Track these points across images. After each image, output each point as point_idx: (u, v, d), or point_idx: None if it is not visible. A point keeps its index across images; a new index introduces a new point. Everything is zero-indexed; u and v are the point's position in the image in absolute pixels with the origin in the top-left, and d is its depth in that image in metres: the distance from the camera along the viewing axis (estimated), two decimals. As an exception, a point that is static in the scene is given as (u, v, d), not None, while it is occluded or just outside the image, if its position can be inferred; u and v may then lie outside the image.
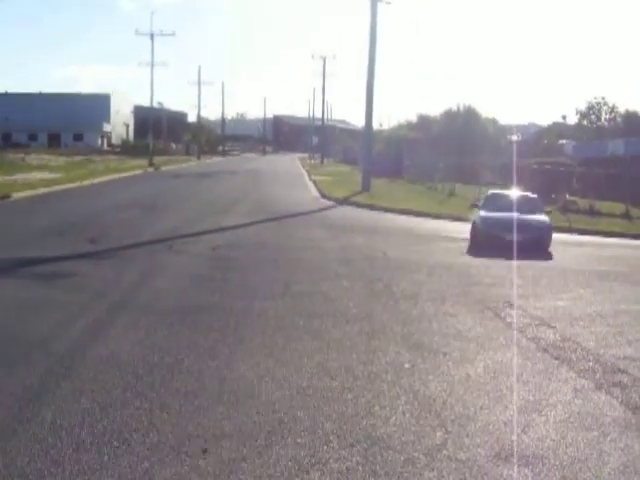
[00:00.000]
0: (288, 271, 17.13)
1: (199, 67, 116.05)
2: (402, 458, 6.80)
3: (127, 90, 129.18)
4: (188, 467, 6.42)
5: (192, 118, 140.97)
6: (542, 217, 24.90)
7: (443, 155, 60.36)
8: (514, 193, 28.20)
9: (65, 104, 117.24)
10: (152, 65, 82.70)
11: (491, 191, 29.85)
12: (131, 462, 6.44)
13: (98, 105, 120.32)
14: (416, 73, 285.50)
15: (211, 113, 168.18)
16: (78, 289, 14.10)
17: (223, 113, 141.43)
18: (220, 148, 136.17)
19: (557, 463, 6.89)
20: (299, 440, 7.12)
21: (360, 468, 6.55)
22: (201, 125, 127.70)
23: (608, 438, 7.62)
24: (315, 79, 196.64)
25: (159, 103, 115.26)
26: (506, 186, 35.38)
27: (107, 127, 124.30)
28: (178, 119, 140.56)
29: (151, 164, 71.85)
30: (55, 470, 6.25)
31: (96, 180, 47.91)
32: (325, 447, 6.98)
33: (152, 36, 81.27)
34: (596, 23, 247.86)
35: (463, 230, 26.32)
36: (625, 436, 7.69)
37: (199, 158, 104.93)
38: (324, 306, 13.50)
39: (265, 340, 10.87)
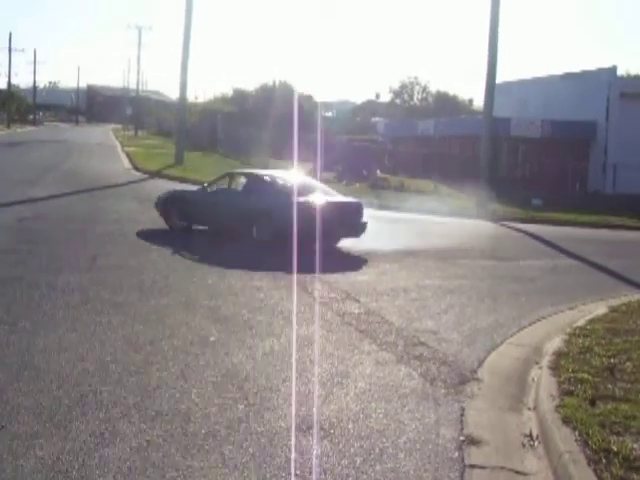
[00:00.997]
0: (96, 244, 16.80)
1: (10, 33, 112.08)
2: (203, 431, 6.79)
3: None
4: (-18, 444, 6.20)
5: (2, 85, 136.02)
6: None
7: (258, 130, 60.40)
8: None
9: None
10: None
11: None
12: None
13: None
14: (233, 47, 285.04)
15: (22, 81, 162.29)
16: None
17: (35, 81, 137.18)
18: (31, 117, 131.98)
19: (356, 434, 7.03)
20: (100, 415, 7.00)
21: (161, 441, 6.50)
22: (11, 93, 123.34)
23: (406, 408, 7.84)
24: (130, 49, 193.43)
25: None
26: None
27: None
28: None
29: (-46, 131, 68.94)
30: None
31: None
32: (126, 421, 6.90)
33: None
34: (413, 3, 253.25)
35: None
36: (422, 406, 7.94)
37: (9, 127, 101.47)
38: (131, 279, 13.31)
39: (69, 314, 10.62)
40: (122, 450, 6.29)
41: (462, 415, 7.80)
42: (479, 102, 79.25)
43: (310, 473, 6.14)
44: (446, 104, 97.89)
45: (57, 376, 8.02)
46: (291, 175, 21.59)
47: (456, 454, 6.77)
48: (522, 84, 56.83)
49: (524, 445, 7.20)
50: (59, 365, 8.38)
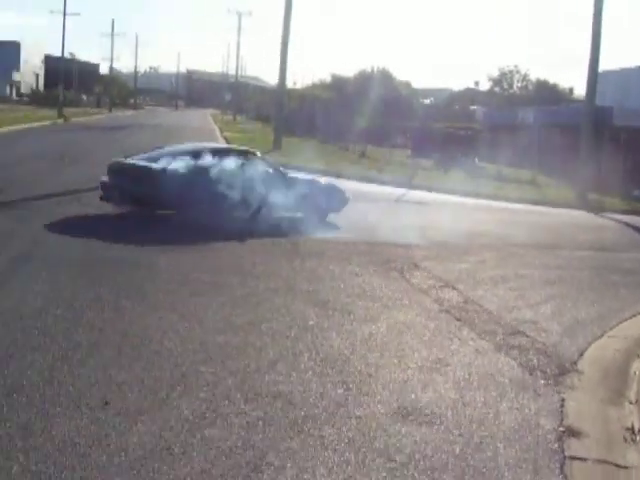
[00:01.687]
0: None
1: (112, 19, 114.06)
2: (302, 414, 6.83)
3: (38, 39, 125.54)
4: (88, 419, 6.34)
5: (104, 70, 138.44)
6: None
7: (356, 116, 60.38)
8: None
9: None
10: (64, 14, 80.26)
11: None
12: (31, 415, 6.34)
13: (7, 53, 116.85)
14: (331, 33, 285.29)
15: (124, 66, 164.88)
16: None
17: (136, 66, 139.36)
18: (132, 101, 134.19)
19: (455, 421, 7.01)
20: (201, 394, 7.10)
21: (260, 423, 6.56)
22: (113, 77, 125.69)
23: (505, 398, 7.78)
24: (230, 35, 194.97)
25: (70, 53, 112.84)
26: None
27: (16, 76, 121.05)
28: (90, 71, 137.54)
29: (60, 115, 70.23)
30: (-51, 422, 6.13)
31: (2, 129, 46.72)
32: (226, 401, 6.97)
33: (65, -18, 79.03)
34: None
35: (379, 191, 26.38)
36: (521, 396, 7.87)
37: (110, 111, 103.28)
38: (231, 262, 13.48)
39: (169, 295, 10.79)
40: (223, 430, 6.37)
41: (562, 406, 7.70)
42: (580, 91, 78.23)
43: (408, 459, 6.14)
44: (546, 92, 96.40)
45: (158, 356, 8.17)
46: None
47: (556, 445, 6.69)
48: (624, 72, 55.61)
49: (626, 439, 7.08)
50: (159, 345, 8.52)
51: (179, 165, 17.09)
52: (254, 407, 6.89)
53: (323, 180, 20.22)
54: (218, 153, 18.36)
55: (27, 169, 25.56)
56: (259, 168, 18.28)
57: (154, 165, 17.11)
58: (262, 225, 16.67)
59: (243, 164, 18.00)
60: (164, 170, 16.76)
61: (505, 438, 6.74)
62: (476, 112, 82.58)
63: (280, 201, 17.52)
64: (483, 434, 6.79)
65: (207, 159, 17.50)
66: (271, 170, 18.55)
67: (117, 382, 7.25)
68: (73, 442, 5.91)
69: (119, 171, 17.47)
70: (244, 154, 19.17)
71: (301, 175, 21.20)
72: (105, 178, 17.51)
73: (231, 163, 17.73)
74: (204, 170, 17.09)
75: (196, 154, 17.76)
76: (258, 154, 19.52)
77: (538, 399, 7.85)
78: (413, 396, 7.56)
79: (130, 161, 17.97)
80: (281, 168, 19.31)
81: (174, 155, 17.79)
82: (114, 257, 13.04)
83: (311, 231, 17.11)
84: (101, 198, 17.34)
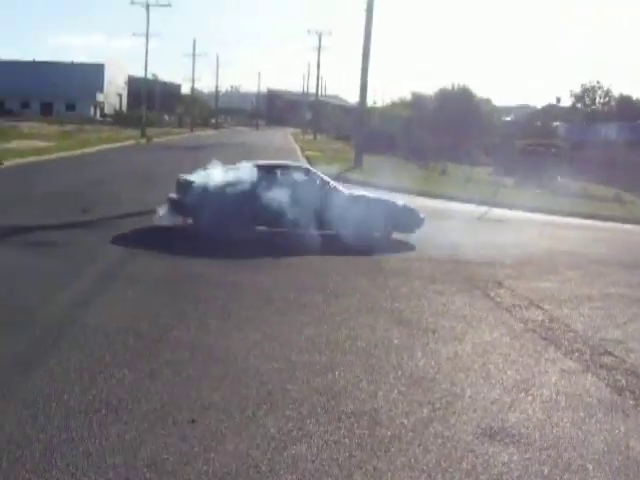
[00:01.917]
0: (277, 246, 17.10)
1: (194, 40, 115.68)
2: (389, 433, 6.84)
3: (121, 60, 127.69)
4: (176, 436, 6.44)
5: (186, 90, 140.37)
6: None
7: (436, 134, 60.26)
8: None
9: (59, 72, 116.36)
10: (147, 35, 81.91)
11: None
12: (120, 431, 6.46)
13: (92, 74, 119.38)
14: (412, 51, 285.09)
15: (205, 86, 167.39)
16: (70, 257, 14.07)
17: (217, 85, 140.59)
18: (213, 121, 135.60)
19: (543, 442, 6.94)
20: (287, 412, 7.15)
21: (347, 442, 6.58)
22: (194, 97, 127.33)
23: (594, 419, 7.69)
24: (310, 54, 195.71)
25: (153, 74, 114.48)
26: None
27: (100, 97, 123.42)
28: (171, 91, 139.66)
29: (143, 135, 71.47)
30: (44, 437, 6.27)
31: (87, 150, 47.62)
32: (312, 420, 7.01)
33: (147, 6, 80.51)
34: (595, 6, 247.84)
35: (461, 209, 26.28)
36: (610, 417, 7.77)
37: (192, 130, 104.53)
38: (314, 280, 13.54)
39: (254, 313, 10.88)
40: (309, 448, 6.41)
41: (652, 428, 7.60)
42: (665, 106, 76.88)
43: (496, 480, 6.12)
44: (629, 108, 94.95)
45: (244, 374, 8.24)
46: None
47: (647, 467, 6.60)
48: None
49: None
50: (245, 363, 8.60)
51: (219, 180, 17.62)
52: (340, 426, 6.92)
53: (396, 200, 20.09)
54: (271, 169, 18.83)
55: (111, 189, 25.96)
56: (311, 183, 18.45)
57: (192, 178, 17.99)
58: (318, 241, 16.83)
59: (294, 180, 18.20)
60: (192, 183, 17.56)
61: (594, 459, 6.66)
62: (558, 129, 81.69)
63: (333, 217, 17.58)
64: (571, 455, 6.72)
65: (255, 175, 17.86)
66: (325, 184, 18.65)
67: (203, 399, 7.34)
68: (162, 459, 6.01)
69: (178, 187, 18.16)
70: (298, 170, 19.56)
71: (369, 193, 21.13)
72: (172, 194, 18.09)
73: (283, 179, 18.09)
74: (244, 185, 17.44)
75: (246, 170, 18.08)
76: (312, 169, 20.16)
77: (627, 420, 7.74)
78: (500, 416, 7.52)
79: (183, 176, 18.53)
80: (334, 184, 19.15)
81: (227, 171, 18.27)
82: (195, 274, 13.21)
83: (388, 249, 17.12)
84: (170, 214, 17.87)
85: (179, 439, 6.39)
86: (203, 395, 7.46)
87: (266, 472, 5.92)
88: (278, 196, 17.08)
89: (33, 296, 10.89)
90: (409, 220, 19.00)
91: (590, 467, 6.49)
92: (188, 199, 17.30)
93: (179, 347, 8.96)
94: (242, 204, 17.07)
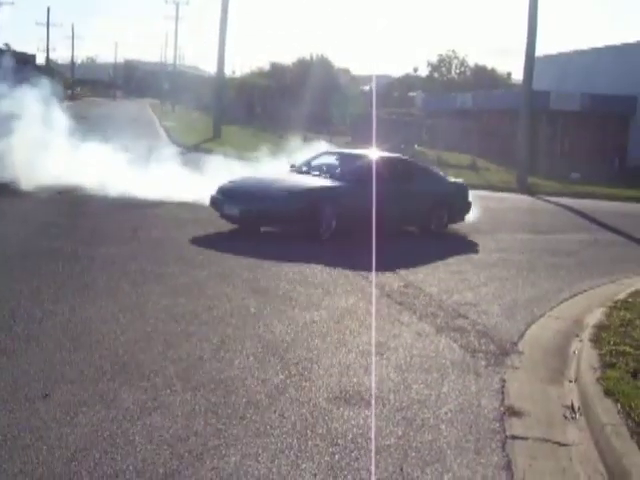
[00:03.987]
0: (138, 219, 16.86)
1: (48, 7, 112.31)
2: (244, 400, 6.81)
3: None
4: (28, 412, 6.27)
5: (40, 61, 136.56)
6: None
7: (295, 103, 60.37)
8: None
9: None
10: (-4, 3, 79.37)
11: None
12: (-34, 408, 6.26)
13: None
14: (269, 21, 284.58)
15: (60, 57, 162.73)
16: None
17: (73, 56, 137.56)
18: (69, 92, 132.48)
19: (397, 404, 7.03)
20: (142, 384, 7.04)
21: (202, 410, 6.53)
22: (50, 68, 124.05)
23: (447, 380, 7.84)
24: (168, 23, 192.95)
25: (5, 44, 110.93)
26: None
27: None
28: (25, 62, 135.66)
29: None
30: None
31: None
32: (168, 390, 6.93)
33: (-3, -27, 78.01)
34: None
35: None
36: (463, 378, 7.93)
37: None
38: (174, 252, 13.41)
39: (110, 285, 10.69)
40: (165, 419, 6.33)
41: (503, 387, 7.78)
42: (517, 76, 78.99)
43: (352, 443, 6.16)
44: (484, 78, 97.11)
45: (99, 346, 8.08)
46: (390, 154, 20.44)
47: (497, 425, 6.75)
48: (562, 57, 56.34)
49: (566, 417, 7.17)
50: (100, 335, 8.43)
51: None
52: (196, 395, 6.86)
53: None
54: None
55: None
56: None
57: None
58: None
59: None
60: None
61: (447, 419, 6.78)
62: (415, 98, 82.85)
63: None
64: (425, 416, 6.81)
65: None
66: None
67: (56, 373, 7.17)
68: (13, 435, 5.84)
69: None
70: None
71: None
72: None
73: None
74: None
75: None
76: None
77: (479, 380, 7.91)
78: (355, 380, 7.58)
79: None
80: None
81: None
82: (50, 249, 12.92)
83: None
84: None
85: (32, 414, 6.22)
86: (56, 369, 7.28)
87: (122, 444, 5.81)
88: None
89: None
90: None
91: (443, 427, 6.60)
92: None
93: (32, 322, 8.72)
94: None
